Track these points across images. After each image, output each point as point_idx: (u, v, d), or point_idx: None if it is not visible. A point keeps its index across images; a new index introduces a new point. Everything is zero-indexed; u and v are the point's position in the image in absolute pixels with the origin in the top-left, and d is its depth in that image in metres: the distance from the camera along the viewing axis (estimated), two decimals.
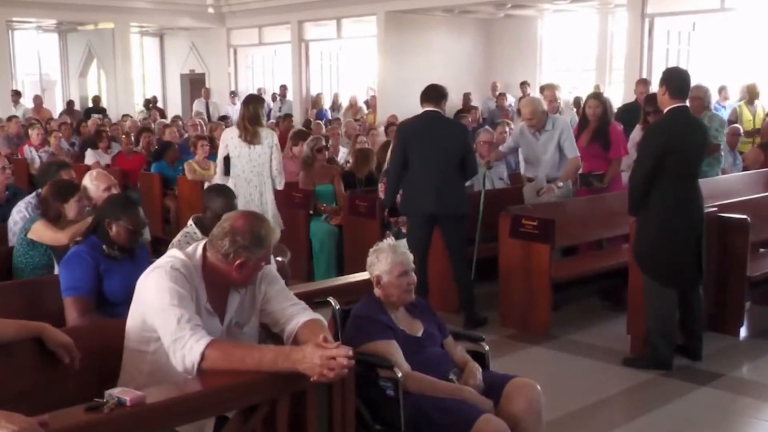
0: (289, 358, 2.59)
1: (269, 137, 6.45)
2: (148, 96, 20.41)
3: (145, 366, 2.79)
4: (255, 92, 18.99)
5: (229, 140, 6.49)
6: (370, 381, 3.18)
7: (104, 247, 3.78)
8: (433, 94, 6.02)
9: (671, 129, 5.00)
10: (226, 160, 6.49)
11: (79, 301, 3.64)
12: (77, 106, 18.56)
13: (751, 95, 12.02)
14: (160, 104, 19.92)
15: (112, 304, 3.67)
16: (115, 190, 4.83)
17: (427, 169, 5.85)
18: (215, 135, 10.56)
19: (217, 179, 6.68)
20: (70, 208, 4.46)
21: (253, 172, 6.39)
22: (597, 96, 7.24)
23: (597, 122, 6.95)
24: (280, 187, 6.60)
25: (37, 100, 16.53)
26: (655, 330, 5.14)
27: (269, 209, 6.41)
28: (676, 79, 5.05)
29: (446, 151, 5.87)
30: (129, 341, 2.85)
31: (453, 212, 5.93)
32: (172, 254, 2.85)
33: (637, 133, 7.48)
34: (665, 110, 5.06)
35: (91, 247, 3.79)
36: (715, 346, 5.52)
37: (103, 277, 3.71)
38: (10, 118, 12.44)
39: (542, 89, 8.44)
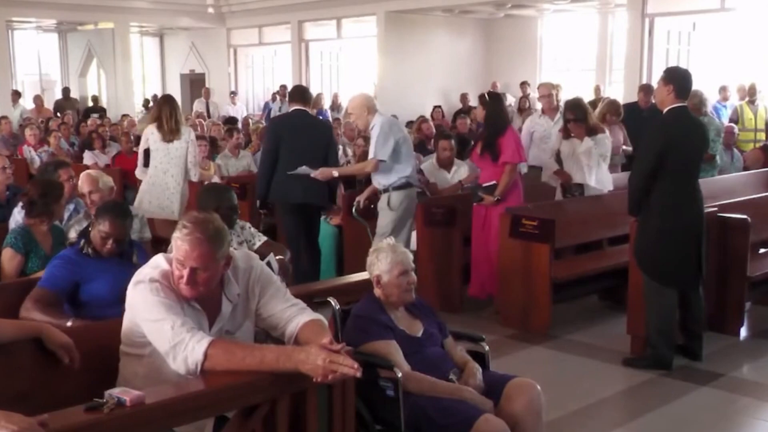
0: (291, 358, 2.57)
1: (186, 133, 7.07)
2: (148, 96, 20.39)
3: (141, 369, 2.78)
4: (270, 93, 18.94)
5: (150, 135, 7.10)
6: (370, 381, 3.17)
7: (82, 242, 3.81)
8: (302, 94, 6.66)
9: (671, 129, 5.00)
10: (146, 152, 7.10)
11: (41, 291, 3.73)
12: (77, 107, 18.55)
13: (751, 95, 12.04)
14: None
15: (102, 305, 3.67)
16: (95, 195, 4.82)
17: (297, 161, 6.25)
18: (215, 134, 10.59)
19: (138, 171, 7.25)
20: (60, 209, 4.48)
21: (170, 163, 6.99)
22: (481, 96, 6.37)
23: (486, 127, 6.31)
24: (194, 178, 7.16)
25: (38, 100, 16.51)
26: (655, 330, 5.14)
27: (179, 197, 7.03)
28: (683, 80, 5.03)
29: (313, 145, 6.36)
30: (124, 346, 2.85)
31: (316, 203, 6.44)
32: (154, 264, 2.83)
33: (556, 141, 6.92)
34: (665, 110, 5.05)
35: (78, 250, 3.83)
36: (715, 346, 5.52)
37: (90, 281, 3.77)
38: (0, 119, 12.38)
39: (538, 88, 8.23)
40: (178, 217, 7.05)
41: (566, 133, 6.78)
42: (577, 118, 6.68)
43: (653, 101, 9.07)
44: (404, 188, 6.17)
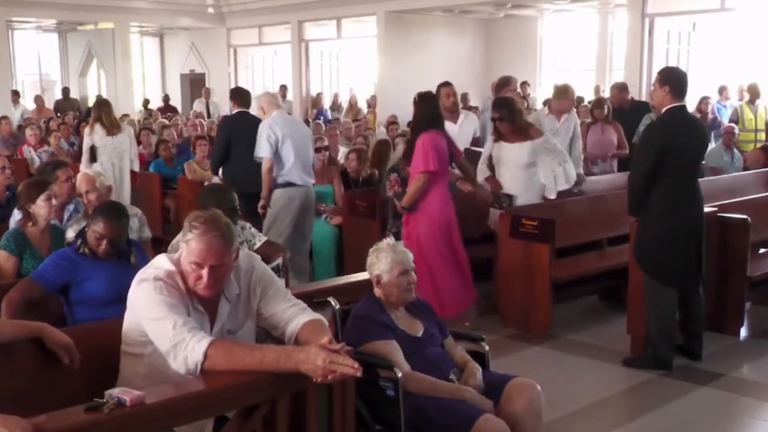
0: (291, 358, 2.57)
1: (127, 129, 8.45)
2: (148, 95, 20.38)
3: (141, 368, 2.78)
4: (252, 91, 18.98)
5: (93, 134, 8.13)
6: (370, 381, 3.17)
7: (78, 242, 3.82)
8: (244, 98, 7.48)
9: (670, 128, 5.00)
10: (92, 149, 8.07)
11: (31, 282, 3.77)
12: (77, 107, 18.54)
13: (752, 95, 12.04)
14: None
15: (99, 304, 3.67)
16: (92, 195, 4.81)
17: (249, 156, 6.62)
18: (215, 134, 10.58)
19: (83, 166, 7.74)
20: (39, 209, 4.36)
21: (117, 157, 8.18)
22: (414, 97, 5.86)
23: (411, 131, 5.93)
24: (136, 168, 8.49)
25: (38, 100, 16.49)
26: (655, 330, 5.14)
27: (126, 188, 8.27)
28: (678, 80, 5.04)
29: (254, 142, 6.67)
30: (125, 345, 2.85)
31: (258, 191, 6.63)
32: (158, 264, 2.83)
33: (488, 145, 6.45)
34: (663, 110, 5.06)
35: (75, 249, 3.83)
36: (715, 346, 5.52)
37: (86, 280, 3.77)
38: (0, 119, 12.36)
39: (566, 89, 7.77)
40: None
41: (497, 136, 6.30)
42: (502, 117, 6.19)
43: (630, 98, 9.25)
44: (283, 187, 6.43)
